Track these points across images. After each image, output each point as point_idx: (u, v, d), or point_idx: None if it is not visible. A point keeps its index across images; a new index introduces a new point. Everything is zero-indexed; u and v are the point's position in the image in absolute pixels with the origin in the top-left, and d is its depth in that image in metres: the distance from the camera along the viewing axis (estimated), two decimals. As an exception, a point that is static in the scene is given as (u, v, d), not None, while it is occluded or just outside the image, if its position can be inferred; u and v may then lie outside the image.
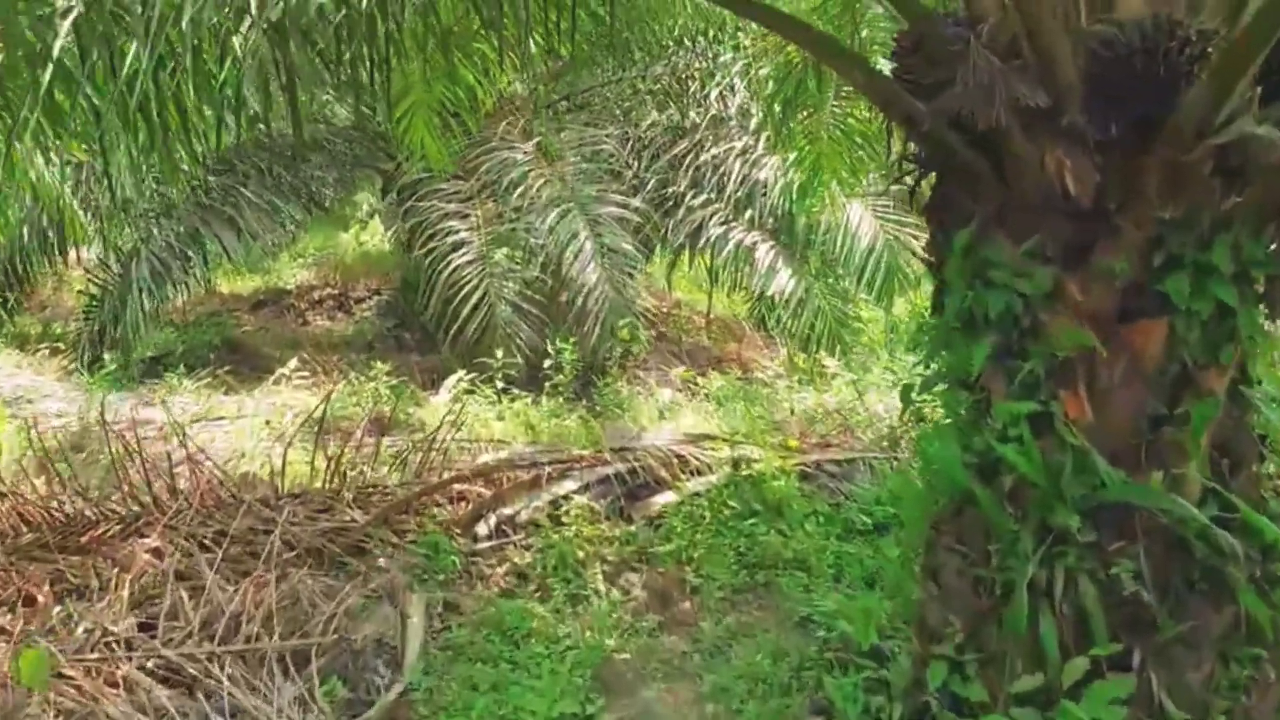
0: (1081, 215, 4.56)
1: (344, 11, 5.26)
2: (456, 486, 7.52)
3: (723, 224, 12.45)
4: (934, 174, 5.23)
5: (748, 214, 12.43)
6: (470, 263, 11.17)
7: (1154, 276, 4.52)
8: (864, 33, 8.23)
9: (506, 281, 11.12)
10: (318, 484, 7.55)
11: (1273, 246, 4.62)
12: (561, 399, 9.97)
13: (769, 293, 12.07)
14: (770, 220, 12.34)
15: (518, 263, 11.24)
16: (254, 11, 4.83)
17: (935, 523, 5.10)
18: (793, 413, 10.31)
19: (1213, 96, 4.22)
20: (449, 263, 11.20)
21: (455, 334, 11.17)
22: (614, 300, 10.79)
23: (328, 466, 7.56)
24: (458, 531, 7.00)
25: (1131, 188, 4.49)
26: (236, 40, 4.95)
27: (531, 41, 8.42)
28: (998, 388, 4.79)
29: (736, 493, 7.31)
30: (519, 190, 11.25)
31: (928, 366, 5.15)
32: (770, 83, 9.95)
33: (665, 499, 7.57)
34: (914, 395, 5.24)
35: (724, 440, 8.00)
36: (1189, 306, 4.45)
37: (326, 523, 6.75)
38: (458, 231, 11.41)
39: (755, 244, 12.19)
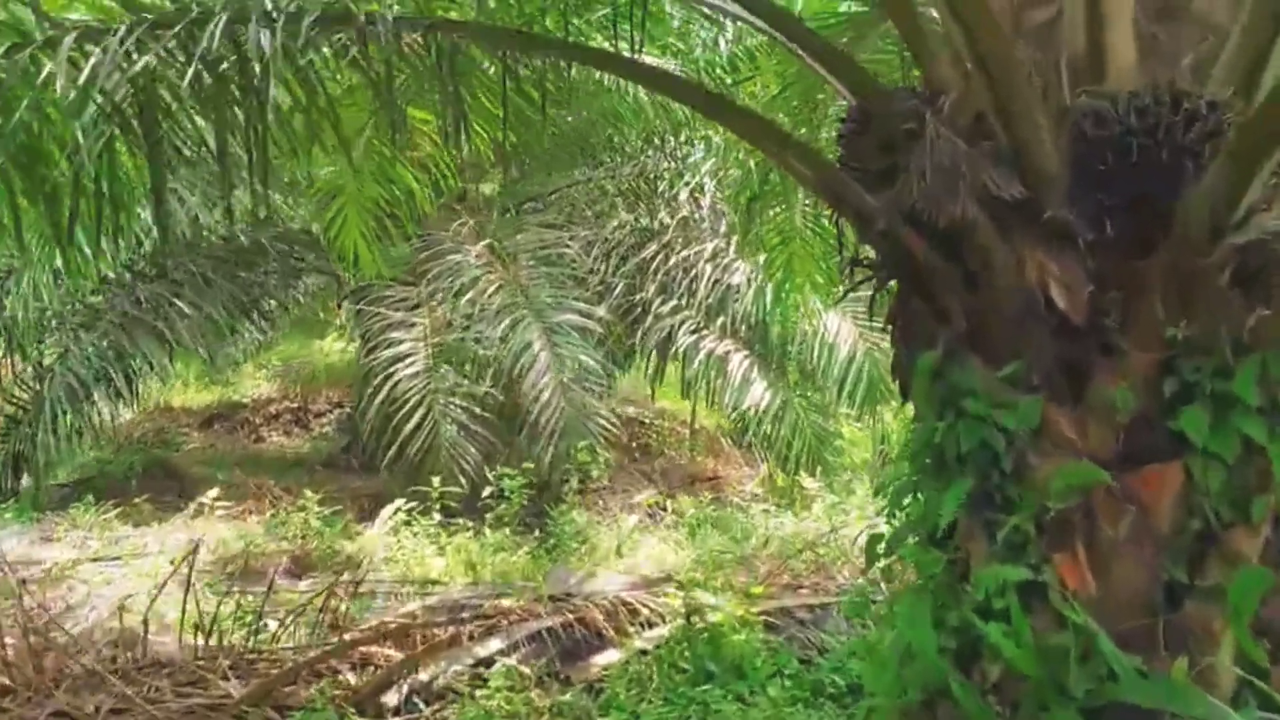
0: (1072, 333, 3.67)
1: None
2: (362, 649, 6.46)
3: (693, 332, 11.61)
4: (894, 281, 4.35)
5: (720, 321, 11.60)
6: (414, 376, 10.26)
7: (1165, 410, 3.61)
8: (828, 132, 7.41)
9: (453, 398, 10.21)
10: (211, 641, 6.54)
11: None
12: (508, 531, 8.97)
13: (743, 407, 11.16)
14: (744, 328, 11.50)
15: (466, 376, 10.36)
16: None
17: (904, 714, 4.11)
18: (765, 544, 9.32)
19: (1229, 185, 3.36)
20: (392, 376, 10.29)
21: (397, 455, 10.20)
22: (571, 418, 9.87)
23: (201, 626, 6.52)
24: (355, 708, 5.89)
25: (1133, 299, 3.61)
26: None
27: (474, 138, 7.73)
28: (977, 547, 3.85)
29: (691, 649, 6.29)
30: (469, 296, 10.39)
31: (893, 516, 4.21)
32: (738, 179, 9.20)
33: (609, 657, 6.53)
34: (880, 551, 4.28)
35: (681, 585, 7.00)
36: (1208, 447, 3.53)
37: (197, 698, 5.70)
38: (402, 342, 10.53)
39: (728, 353, 11.34)
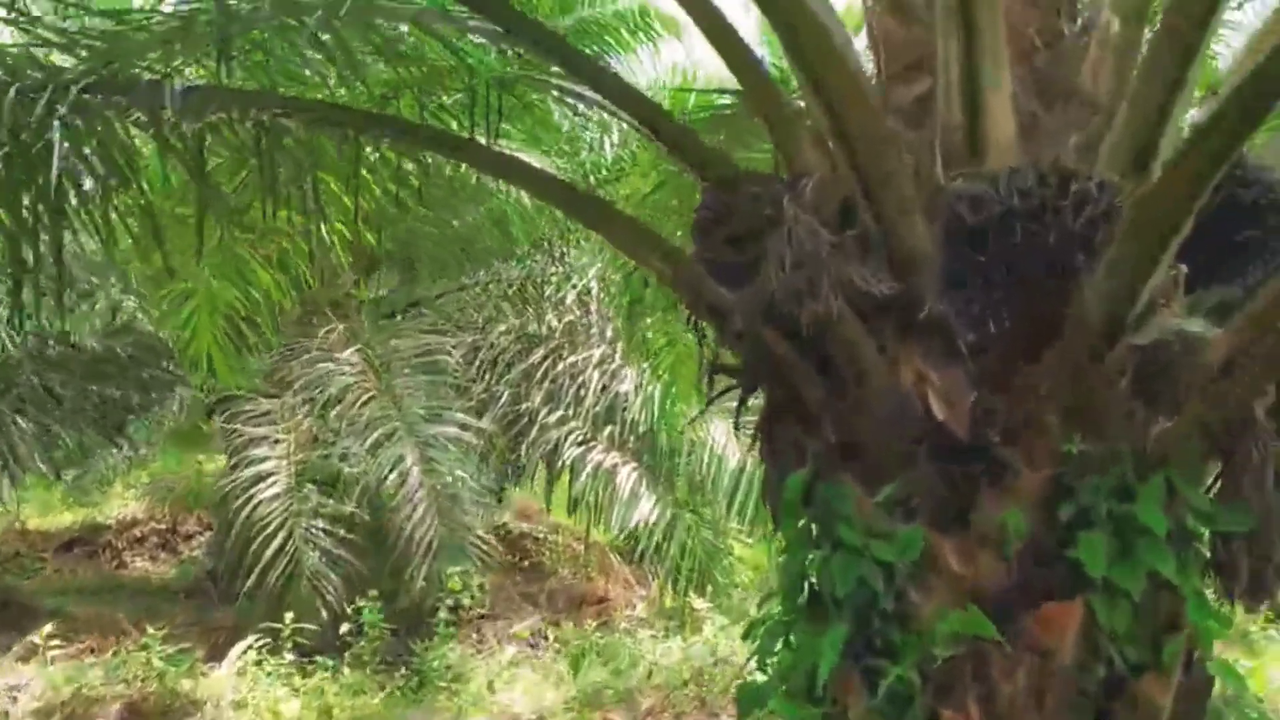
0: (955, 449, 3.18)
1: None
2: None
3: (581, 443, 11.01)
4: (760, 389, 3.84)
5: (608, 431, 11.02)
6: (275, 497, 9.47)
7: (1062, 537, 3.11)
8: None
9: (317, 520, 9.43)
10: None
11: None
12: (369, 670, 8.18)
13: (631, 524, 10.54)
14: (633, 438, 10.92)
15: (331, 496, 9.61)
16: None
17: None
18: (650, 676, 8.65)
19: (1126, 276, 2.92)
20: (251, 497, 9.50)
21: (258, 584, 9.34)
22: (446, 539, 9.15)
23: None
24: None
25: (1022, 409, 3.12)
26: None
27: (337, 236, 7.17)
28: (856, 701, 3.30)
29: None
30: (338, 409, 9.69)
31: (763, 664, 3.63)
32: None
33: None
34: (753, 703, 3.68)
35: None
36: (1111, 581, 3.02)
37: None
38: (265, 459, 9.76)
39: (616, 466, 10.74)
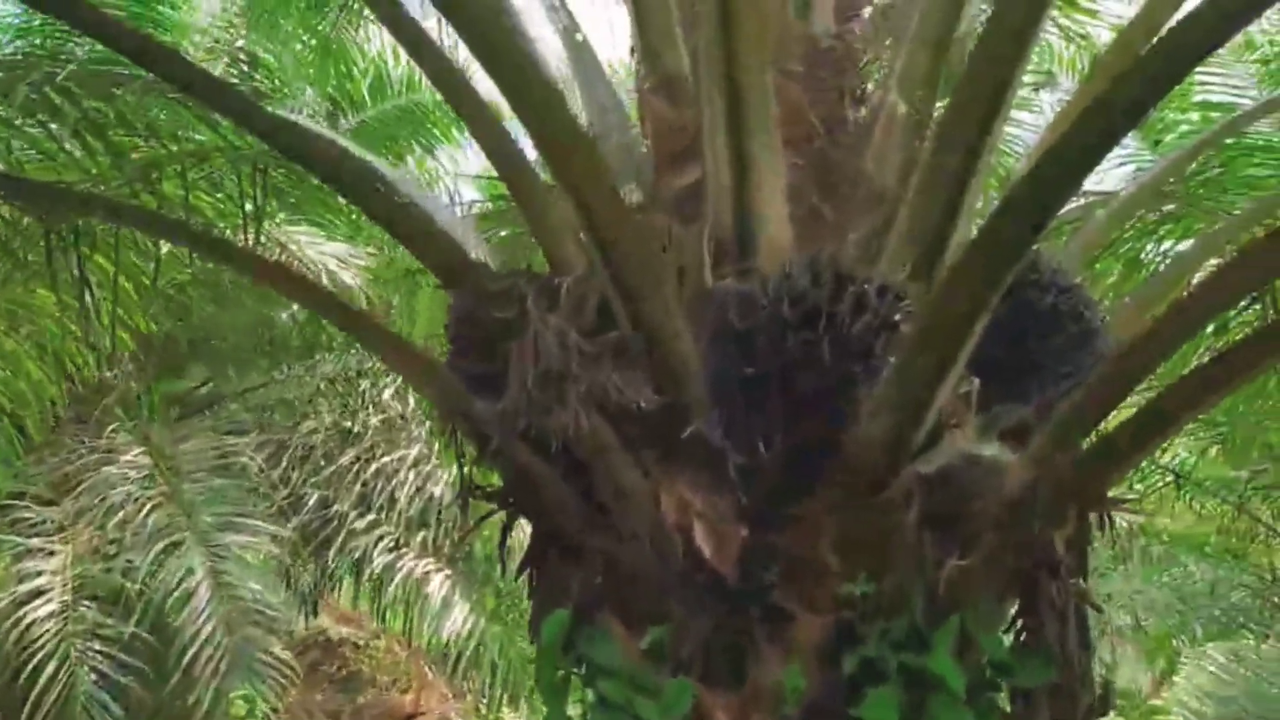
0: (725, 592, 2.75)
1: None
2: None
3: (391, 549, 10.32)
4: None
5: (421, 536, 10.36)
6: (49, 617, 8.52)
7: (847, 693, 2.69)
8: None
9: (94, 641, 8.51)
10: None
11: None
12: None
13: (442, 634, 9.86)
14: (448, 544, 10.28)
15: (111, 615, 8.69)
16: None
17: None
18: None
19: (909, 393, 2.55)
20: (22, 618, 8.51)
21: (31, 714, 8.32)
22: (237, 657, 8.34)
23: None
24: None
25: (799, 546, 2.72)
26: None
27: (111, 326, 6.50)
28: None
29: None
30: (120, 517, 8.83)
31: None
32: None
33: None
34: None
35: None
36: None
37: None
38: (37, 574, 8.80)
39: (428, 574, 10.08)
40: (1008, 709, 2.84)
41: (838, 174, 3.11)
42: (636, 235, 2.67)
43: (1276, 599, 10.50)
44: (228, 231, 5.14)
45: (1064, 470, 2.70)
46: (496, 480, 3.45)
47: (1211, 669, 11.09)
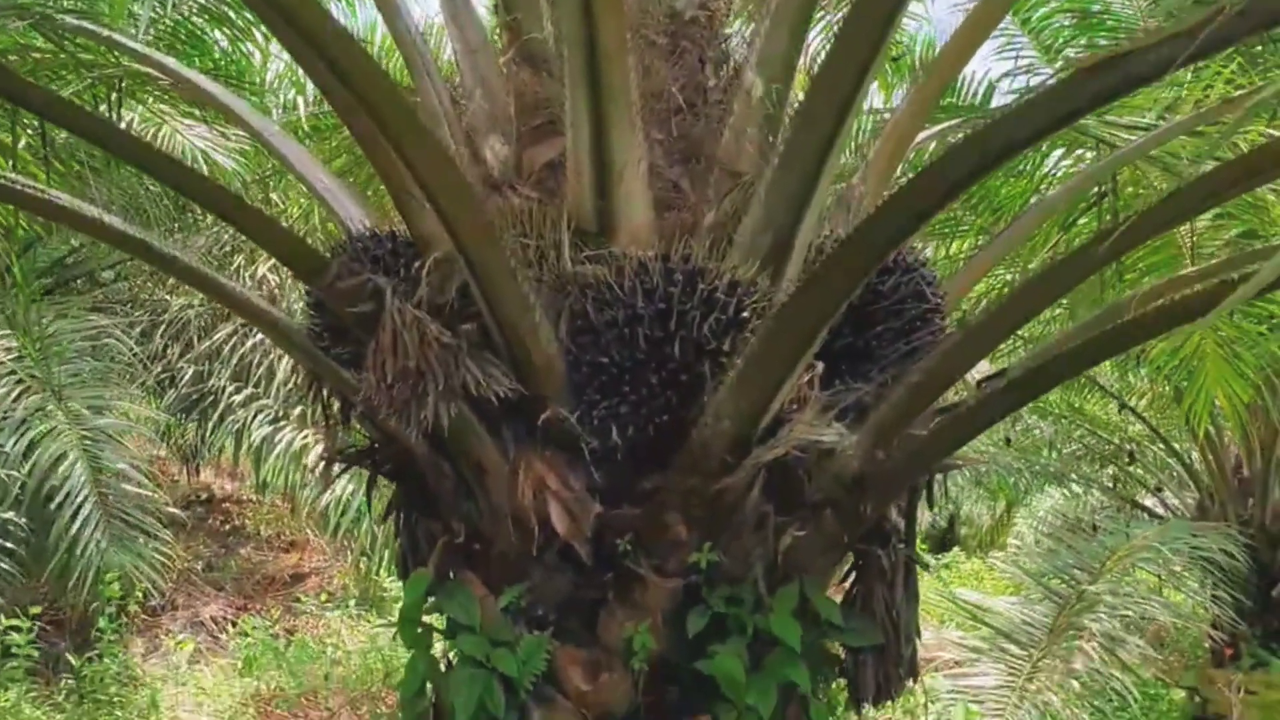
0: (579, 560, 2.93)
1: None
2: None
3: (271, 422, 10.33)
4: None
5: (300, 409, 10.36)
6: (-84, 508, 8.39)
7: (691, 651, 2.92)
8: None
9: (-34, 531, 8.42)
10: None
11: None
12: (25, 688, 7.38)
13: (322, 504, 9.98)
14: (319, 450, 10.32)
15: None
16: None
17: None
18: (327, 679, 8.24)
19: (753, 390, 2.70)
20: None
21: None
22: (117, 539, 8.34)
23: None
24: None
25: (650, 519, 2.91)
26: None
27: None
28: (475, 824, 3.02)
29: None
30: (-12, 403, 8.62)
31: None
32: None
33: None
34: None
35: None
36: (745, 699, 2.86)
37: None
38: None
39: (307, 445, 10.13)
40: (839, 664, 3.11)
41: (697, 150, 3.17)
42: (489, 235, 2.69)
43: (1104, 451, 11.27)
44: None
45: (897, 453, 2.90)
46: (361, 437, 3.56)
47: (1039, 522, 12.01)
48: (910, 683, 3.13)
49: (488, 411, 2.91)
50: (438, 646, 3.26)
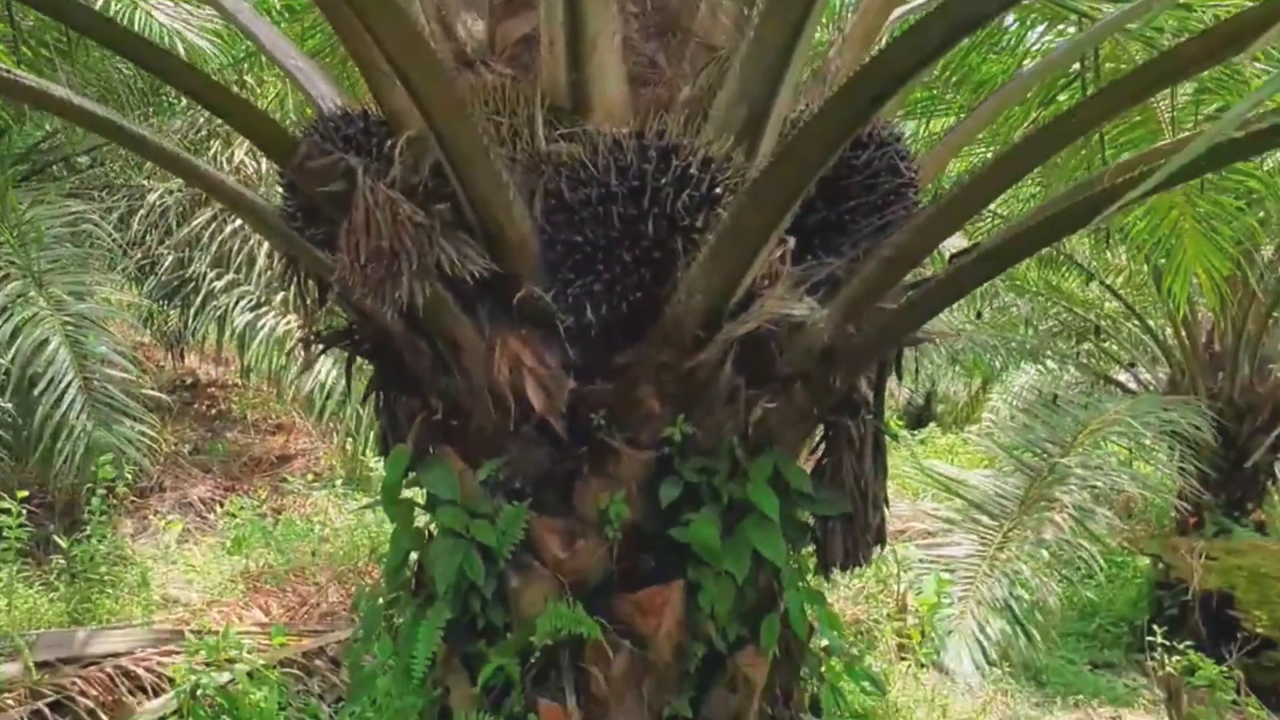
0: (554, 434, 3.01)
1: None
2: None
3: (253, 309, 10.33)
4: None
5: (282, 295, 10.36)
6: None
7: (664, 521, 3.02)
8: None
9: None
10: None
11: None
12: (15, 569, 7.50)
13: (305, 389, 10.05)
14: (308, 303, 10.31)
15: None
16: None
17: None
18: (314, 555, 8.41)
19: (726, 266, 2.74)
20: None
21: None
22: (102, 424, 8.40)
23: None
24: None
25: (624, 393, 2.97)
26: None
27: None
28: (458, 686, 3.18)
29: (200, 721, 5.33)
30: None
31: (369, 643, 3.44)
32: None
33: (104, 746, 5.47)
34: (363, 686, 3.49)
35: (198, 632, 5.95)
36: (719, 563, 2.97)
37: None
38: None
39: (290, 331, 10.14)
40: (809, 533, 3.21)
41: (673, 24, 3.15)
42: (461, 112, 2.68)
43: (1079, 328, 11.43)
44: None
45: (868, 326, 2.96)
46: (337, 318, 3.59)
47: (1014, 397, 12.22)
48: (879, 550, 3.24)
49: (463, 291, 2.95)
50: (420, 521, 3.35)
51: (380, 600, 3.36)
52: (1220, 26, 2.32)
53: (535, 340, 2.92)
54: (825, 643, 3.54)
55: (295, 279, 3.38)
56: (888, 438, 3.28)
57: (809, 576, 3.26)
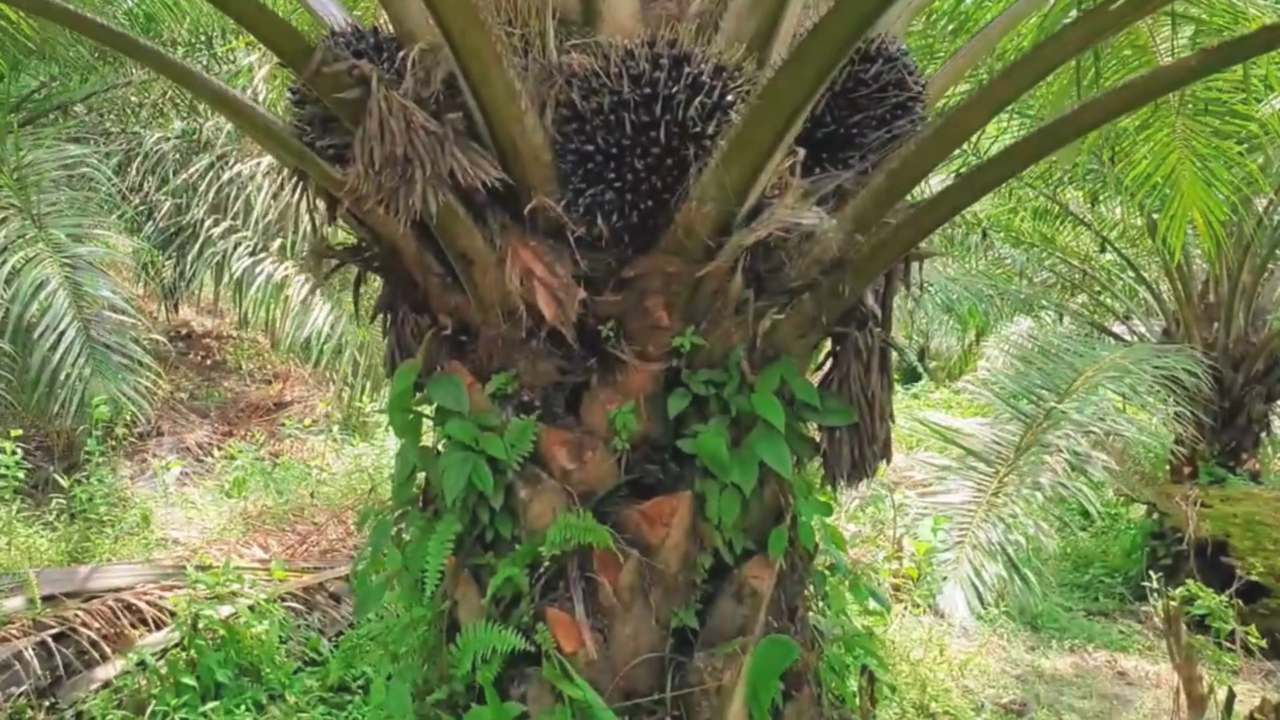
0: (565, 345, 3.03)
1: None
2: None
3: (250, 255, 10.31)
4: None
5: (279, 243, 10.36)
6: (-99, 331, 8.40)
7: (673, 430, 3.06)
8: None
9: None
10: None
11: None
12: (16, 508, 7.53)
13: (303, 334, 10.04)
14: (306, 248, 10.31)
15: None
16: None
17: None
18: (313, 496, 8.45)
19: (736, 173, 2.75)
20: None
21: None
22: (100, 365, 8.41)
23: None
24: None
25: (633, 304, 2.99)
26: None
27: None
28: (467, 597, 3.21)
29: (200, 657, 5.36)
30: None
31: (376, 559, 3.47)
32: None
33: (109, 672, 5.51)
34: (368, 601, 3.51)
35: (199, 568, 5.97)
36: (726, 475, 3.00)
37: None
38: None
39: (287, 277, 10.14)
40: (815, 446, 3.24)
41: (681, -62, 3.15)
42: (476, 18, 2.67)
43: (1074, 280, 11.45)
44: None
45: (876, 238, 2.97)
46: (347, 235, 3.60)
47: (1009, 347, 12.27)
48: (884, 463, 3.27)
49: (474, 201, 2.95)
50: (426, 440, 3.37)
51: (387, 516, 3.38)
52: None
53: (546, 251, 2.93)
54: (829, 561, 3.58)
55: (304, 194, 3.37)
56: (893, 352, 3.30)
57: (815, 490, 3.28)
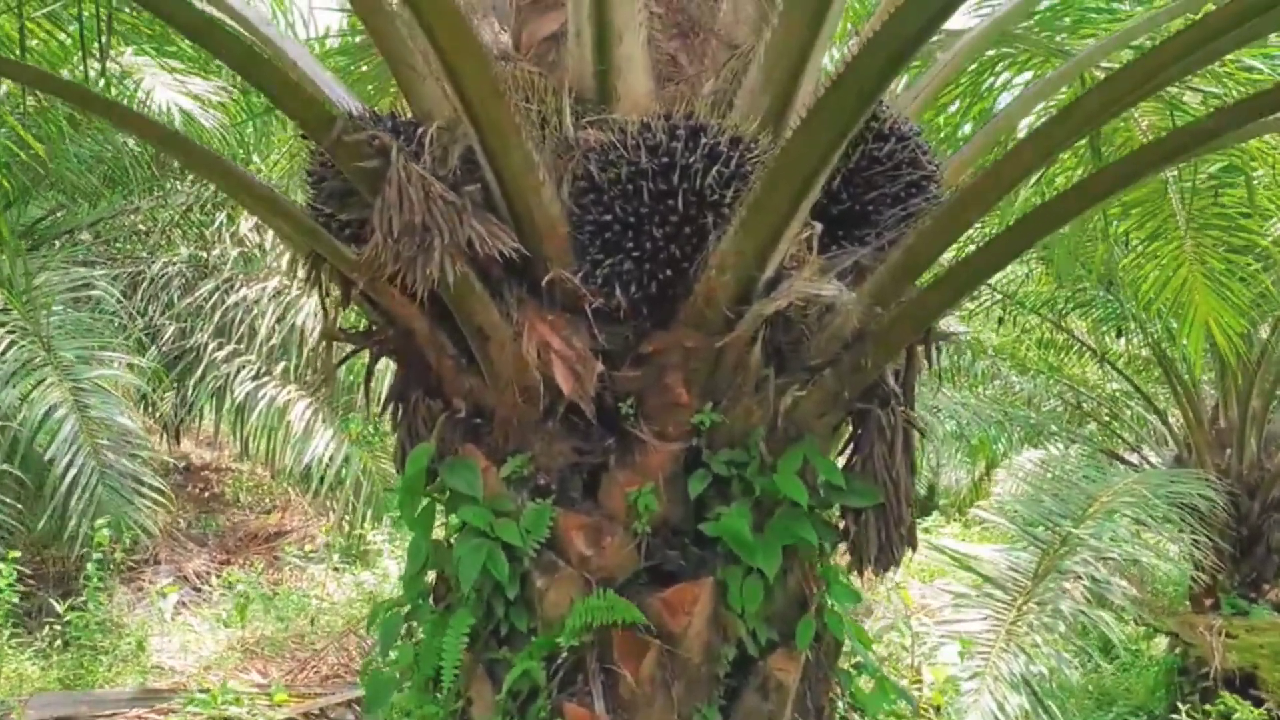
0: (583, 423, 2.95)
1: None
2: None
3: (254, 379, 10.28)
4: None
5: (282, 365, 10.34)
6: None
7: (693, 513, 2.95)
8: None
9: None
10: None
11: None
12: (7, 633, 7.33)
13: (305, 460, 9.93)
14: (310, 372, 10.29)
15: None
16: None
17: None
18: (313, 623, 8.25)
19: (756, 241, 2.71)
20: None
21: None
22: (110, 489, 8.29)
23: None
24: None
25: (652, 381, 2.91)
26: None
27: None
28: (481, 694, 3.06)
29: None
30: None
31: (386, 655, 3.32)
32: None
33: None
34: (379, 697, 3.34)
35: (200, 693, 5.78)
36: (749, 558, 2.88)
37: None
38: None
39: (290, 401, 10.08)
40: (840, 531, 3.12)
41: (694, 23, 3.18)
42: (496, 90, 2.67)
43: (1083, 407, 11.36)
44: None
45: (896, 311, 2.90)
46: (359, 320, 3.54)
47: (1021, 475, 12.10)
48: (910, 551, 3.14)
49: (490, 275, 2.91)
50: (438, 533, 3.26)
51: (396, 611, 3.25)
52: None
53: (563, 324, 2.87)
54: (856, 659, 3.43)
55: (318, 280, 3.32)
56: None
57: (841, 576, 3.15)
